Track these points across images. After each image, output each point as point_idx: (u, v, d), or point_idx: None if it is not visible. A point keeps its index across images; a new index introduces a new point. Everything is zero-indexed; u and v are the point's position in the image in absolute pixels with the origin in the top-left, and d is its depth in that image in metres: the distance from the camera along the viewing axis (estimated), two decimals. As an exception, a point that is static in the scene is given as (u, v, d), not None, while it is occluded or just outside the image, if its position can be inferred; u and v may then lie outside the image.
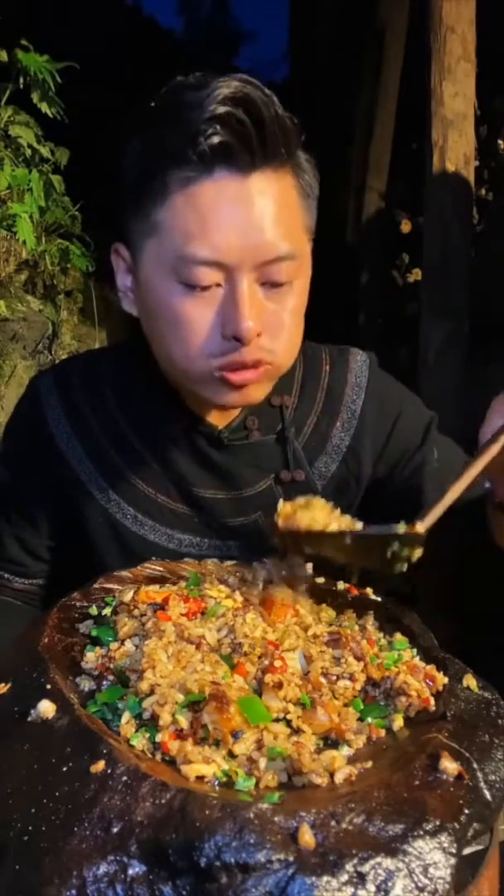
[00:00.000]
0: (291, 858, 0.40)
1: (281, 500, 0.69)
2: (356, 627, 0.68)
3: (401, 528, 0.61)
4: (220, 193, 0.68)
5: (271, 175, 0.69)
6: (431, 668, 0.62)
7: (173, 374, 0.79)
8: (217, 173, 0.68)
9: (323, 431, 0.89)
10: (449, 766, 0.48)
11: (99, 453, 0.87)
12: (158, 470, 0.87)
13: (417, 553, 0.62)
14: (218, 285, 0.70)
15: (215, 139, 0.66)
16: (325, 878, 0.39)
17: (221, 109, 0.65)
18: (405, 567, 0.63)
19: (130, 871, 0.40)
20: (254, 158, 0.68)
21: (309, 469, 0.88)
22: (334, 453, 0.89)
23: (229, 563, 0.84)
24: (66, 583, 0.73)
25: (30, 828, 0.43)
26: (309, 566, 0.84)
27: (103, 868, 0.40)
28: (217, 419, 0.86)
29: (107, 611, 0.67)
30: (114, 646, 0.61)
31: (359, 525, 0.65)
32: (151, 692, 0.53)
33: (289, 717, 0.54)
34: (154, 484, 0.88)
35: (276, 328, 0.73)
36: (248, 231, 0.68)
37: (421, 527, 0.61)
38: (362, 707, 0.57)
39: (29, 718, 0.50)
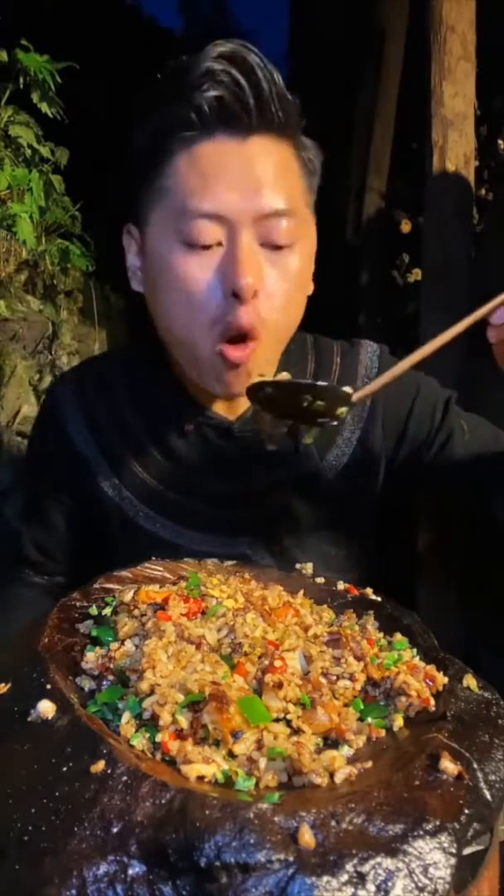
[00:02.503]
0: (291, 858, 0.40)
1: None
2: (356, 627, 0.68)
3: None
4: (221, 153, 0.70)
5: (270, 141, 0.72)
6: (431, 668, 0.62)
7: (178, 355, 0.80)
8: (217, 135, 0.70)
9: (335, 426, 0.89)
10: (449, 766, 0.48)
11: (112, 451, 0.89)
12: (169, 467, 0.88)
13: (341, 410, 0.67)
14: (219, 244, 0.71)
15: (210, 93, 0.68)
16: (325, 878, 0.39)
17: (216, 66, 0.68)
18: (331, 422, 0.68)
19: (130, 871, 0.40)
20: (251, 119, 0.70)
21: (319, 462, 0.88)
22: (345, 446, 0.89)
23: (229, 562, 0.84)
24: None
25: (30, 828, 0.43)
26: (309, 566, 0.84)
27: (103, 868, 0.40)
28: (227, 411, 0.87)
29: (107, 611, 0.67)
30: (114, 646, 0.61)
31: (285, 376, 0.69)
32: (151, 692, 0.53)
33: (289, 717, 0.54)
34: (165, 481, 0.88)
35: (274, 293, 0.73)
36: (246, 186, 0.70)
37: (348, 388, 0.67)
38: (362, 707, 0.57)
39: (29, 718, 0.50)
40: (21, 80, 1.73)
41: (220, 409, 0.87)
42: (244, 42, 0.69)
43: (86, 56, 1.96)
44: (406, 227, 2.79)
